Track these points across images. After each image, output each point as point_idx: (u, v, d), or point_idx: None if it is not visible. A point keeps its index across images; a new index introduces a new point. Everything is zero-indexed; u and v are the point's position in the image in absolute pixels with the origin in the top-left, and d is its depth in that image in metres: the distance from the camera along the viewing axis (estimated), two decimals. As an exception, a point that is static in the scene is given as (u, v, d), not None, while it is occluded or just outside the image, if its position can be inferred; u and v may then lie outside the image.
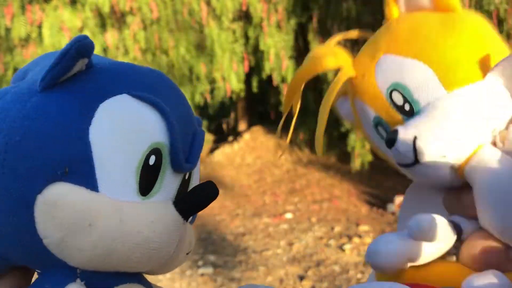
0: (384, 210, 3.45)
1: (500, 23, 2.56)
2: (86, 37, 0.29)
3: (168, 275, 2.43)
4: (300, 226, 3.22)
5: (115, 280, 0.33)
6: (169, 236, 0.32)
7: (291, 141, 5.00)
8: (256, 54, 3.98)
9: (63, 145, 0.29)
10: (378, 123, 0.41)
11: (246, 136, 5.35)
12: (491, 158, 0.35)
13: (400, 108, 0.39)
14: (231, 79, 3.88)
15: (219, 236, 3.12)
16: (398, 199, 3.48)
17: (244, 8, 3.64)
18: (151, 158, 0.31)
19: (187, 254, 0.36)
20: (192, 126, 0.36)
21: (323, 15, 3.68)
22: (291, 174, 4.59)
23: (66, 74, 0.30)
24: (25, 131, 0.29)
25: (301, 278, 2.47)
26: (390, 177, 4.26)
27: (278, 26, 3.75)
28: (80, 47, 0.29)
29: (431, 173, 0.37)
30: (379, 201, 3.68)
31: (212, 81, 4.03)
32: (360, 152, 3.93)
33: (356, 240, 2.93)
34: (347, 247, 2.81)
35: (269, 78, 4.01)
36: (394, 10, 0.42)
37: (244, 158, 5.04)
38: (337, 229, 3.15)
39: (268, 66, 3.81)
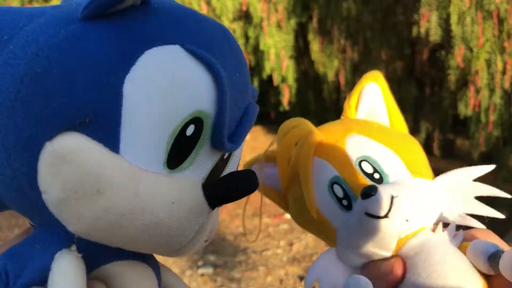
0: (384, 210, 3.46)
1: (500, 23, 2.56)
2: None
3: (168, 275, 2.43)
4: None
5: (116, 254, 0.28)
6: (188, 223, 0.27)
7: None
8: (256, 54, 3.98)
9: (90, 89, 0.24)
10: (336, 182, 0.44)
11: (246, 136, 5.33)
12: (432, 239, 0.40)
13: (369, 175, 0.43)
14: (231, 79, 3.87)
15: (219, 236, 3.12)
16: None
17: (244, 8, 3.64)
18: (190, 128, 0.26)
19: (206, 241, 0.31)
20: (246, 98, 0.31)
21: (323, 15, 3.68)
22: (291, 174, 4.59)
23: (115, 5, 0.25)
24: (49, 63, 0.24)
25: (301, 278, 2.47)
26: (390, 177, 4.25)
27: (278, 26, 3.74)
28: None
29: (390, 231, 0.40)
30: (379, 201, 3.68)
31: (212, 81, 4.02)
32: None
33: (356, 240, 2.93)
34: (347, 247, 2.82)
35: (269, 78, 4.01)
36: (352, 113, 0.49)
37: (244, 158, 5.04)
38: (337, 229, 3.15)
39: (268, 66, 3.81)
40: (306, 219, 0.48)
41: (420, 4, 2.66)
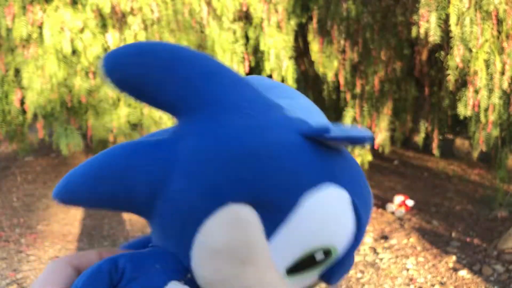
0: (384, 210, 3.46)
1: (499, 24, 2.57)
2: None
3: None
4: (300, 225, 3.22)
5: None
6: None
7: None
8: (256, 54, 3.99)
9: (289, 192, 0.29)
10: None
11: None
12: None
13: None
14: (231, 79, 3.88)
15: (220, 236, 3.12)
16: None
17: (244, 9, 3.65)
18: (319, 254, 0.31)
19: None
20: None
21: (323, 15, 3.69)
22: (291, 174, 4.58)
23: (339, 143, 0.31)
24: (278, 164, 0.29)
25: (301, 277, 2.47)
26: (390, 177, 4.26)
27: (278, 27, 3.75)
28: None
29: None
30: (379, 201, 3.68)
31: (212, 81, 4.03)
32: (360, 152, 3.94)
33: (356, 239, 2.93)
34: (347, 246, 2.82)
35: (269, 78, 4.02)
36: None
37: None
38: (337, 228, 3.15)
39: (268, 66, 3.82)
40: None
41: (420, 5, 2.67)
